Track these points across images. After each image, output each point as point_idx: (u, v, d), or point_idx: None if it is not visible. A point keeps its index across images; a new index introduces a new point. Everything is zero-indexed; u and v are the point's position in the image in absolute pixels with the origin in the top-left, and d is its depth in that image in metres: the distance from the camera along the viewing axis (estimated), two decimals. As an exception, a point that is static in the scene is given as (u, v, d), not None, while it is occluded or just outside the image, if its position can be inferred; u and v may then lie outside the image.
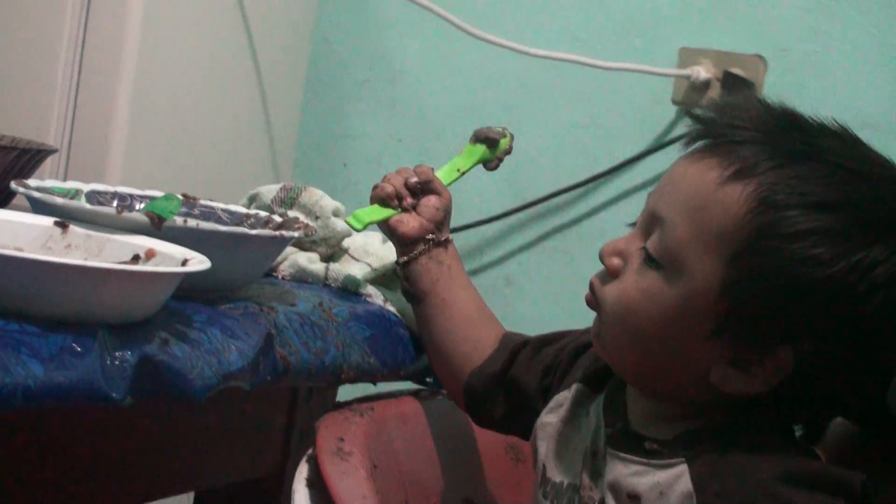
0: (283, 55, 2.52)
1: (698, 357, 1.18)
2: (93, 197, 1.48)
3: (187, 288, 1.23)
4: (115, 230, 1.30)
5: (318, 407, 1.57)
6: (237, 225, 1.48)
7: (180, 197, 1.49)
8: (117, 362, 1.09)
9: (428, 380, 1.68)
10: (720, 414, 1.19)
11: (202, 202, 1.54)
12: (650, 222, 1.23)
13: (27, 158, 1.61)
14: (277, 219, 1.52)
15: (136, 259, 1.25)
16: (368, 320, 1.54)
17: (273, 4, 2.45)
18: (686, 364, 1.19)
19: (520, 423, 1.44)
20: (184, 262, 1.23)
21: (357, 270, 1.66)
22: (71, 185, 1.48)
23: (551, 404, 1.37)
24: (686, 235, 1.18)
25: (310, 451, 1.33)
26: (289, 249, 1.64)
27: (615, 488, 1.20)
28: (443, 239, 1.55)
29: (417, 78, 2.78)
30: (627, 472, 1.20)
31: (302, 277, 1.63)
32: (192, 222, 1.33)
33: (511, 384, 1.46)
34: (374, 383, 1.58)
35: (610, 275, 1.25)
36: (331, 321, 1.46)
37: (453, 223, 2.68)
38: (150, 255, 1.26)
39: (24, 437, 1.21)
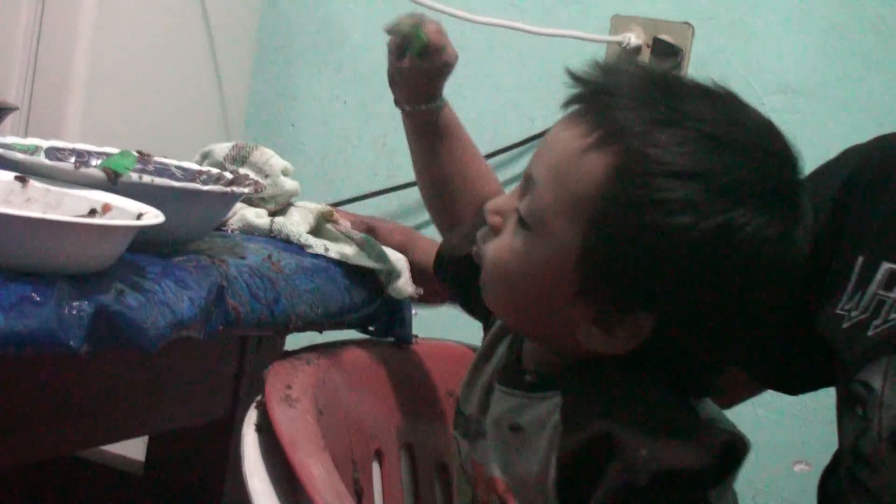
0: (234, 18, 2.51)
1: (565, 315, 1.17)
2: (52, 153, 1.47)
3: (142, 241, 1.22)
4: (73, 185, 1.30)
5: (267, 355, 1.58)
6: (190, 181, 1.48)
7: (135, 154, 1.48)
8: (75, 312, 1.09)
9: (370, 328, 1.68)
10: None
11: (156, 159, 1.53)
12: (526, 184, 1.22)
13: (-12, 116, 1.61)
14: (228, 175, 1.52)
15: (92, 213, 1.25)
16: (314, 272, 1.54)
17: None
18: (556, 320, 1.18)
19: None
20: (139, 216, 1.22)
21: (299, 220, 1.67)
22: (31, 141, 1.47)
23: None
24: (551, 199, 1.17)
25: (259, 398, 1.33)
26: (238, 205, 1.64)
27: (498, 423, 1.22)
28: None
29: (363, 42, 2.78)
30: (508, 406, 1.21)
31: (249, 231, 1.63)
32: (146, 178, 1.33)
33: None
34: (321, 332, 1.58)
35: (492, 232, 1.25)
36: (279, 273, 1.46)
37: (395, 182, 2.70)
38: (107, 209, 1.25)
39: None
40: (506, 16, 2.55)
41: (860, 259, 1.33)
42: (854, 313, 1.31)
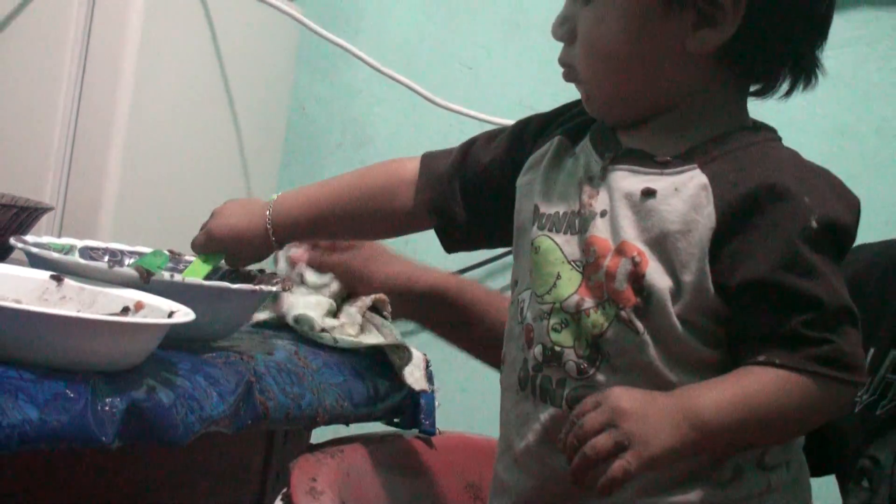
0: (262, 121, 2.52)
1: (669, 42, 1.17)
2: (86, 252, 1.47)
3: (173, 338, 1.22)
4: (107, 284, 1.30)
5: (294, 448, 1.57)
6: (220, 279, 1.47)
7: (167, 253, 1.48)
8: (107, 408, 1.08)
9: (396, 420, 1.67)
10: (698, 104, 1.20)
11: (187, 258, 1.53)
12: None
13: (25, 216, 1.60)
14: (256, 274, 1.51)
15: (125, 311, 1.24)
16: (341, 366, 1.54)
17: (253, 74, 2.45)
18: (665, 55, 1.18)
19: (484, 222, 1.39)
20: (170, 314, 1.22)
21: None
22: (65, 241, 1.47)
23: (527, 165, 1.32)
24: None
25: (285, 490, 1.32)
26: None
27: (628, 192, 1.18)
28: None
29: (386, 142, 2.79)
30: (638, 179, 1.18)
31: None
32: (177, 277, 1.32)
33: (469, 165, 1.40)
34: (347, 424, 1.57)
35: (568, 43, 1.25)
36: (306, 368, 1.46)
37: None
38: (139, 307, 1.25)
39: (19, 475, 1.20)
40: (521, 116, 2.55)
41: (871, 350, 1.37)
42: (864, 397, 1.37)
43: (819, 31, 1.21)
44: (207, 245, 1.49)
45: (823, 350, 1.09)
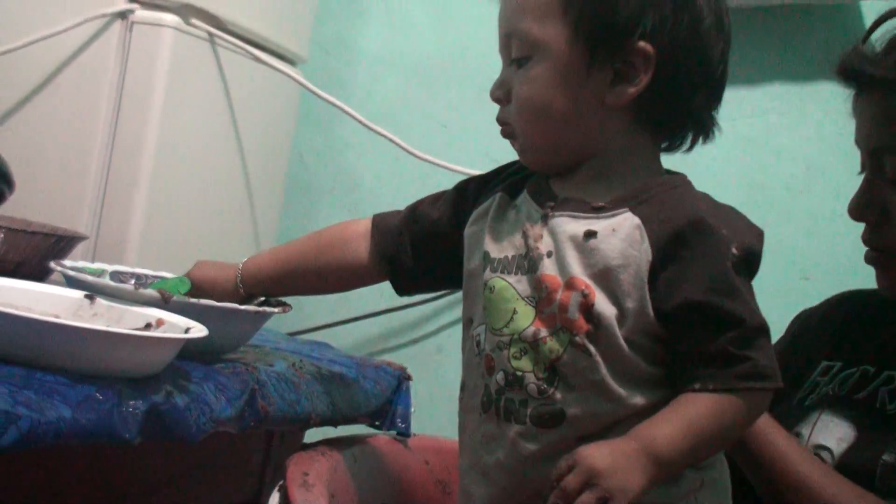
0: (266, 168, 2.51)
1: (591, 98, 1.17)
2: (115, 276, 1.47)
3: (189, 350, 1.22)
4: (133, 303, 1.29)
5: (289, 447, 1.55)
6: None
7: (188, 282, 1.47)
8: (131, 409, 1.08)
9: (376, 423, 1.66)
10: (617, 154, 1.20)
11: (201, 282, 1.52)
12: (506, 45, 1.24)
13: (63, 243, 1.60)
14: (260, 297, 1.50)
15: (148, 326, 1.24)
16: (331, 378, 1.53)
17: (259, 127, 2.44)
18: (586, 110, 1.18)
19: (431, 269, 1.37)
20: (186, 330, 1.22)
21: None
22: (98, 265, 1.47)
23: (472, 218, 1.30)
24: (529, 24, 1.19)
25: (281, 483, 1.31)
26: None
27: (572, 235, 1.17)
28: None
29: (372, 188, 2.78)
30: (579, 224, 1.17)
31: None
32: (193, 298, 1.32)
33: (418, 221, 1.38)
34: (335, 426, 1.56)
35: (504, 103, 1.26)
36: (301, 378, 1.45)
37: (398, 303, 2.68)
38: (160, 323, 1.25)
39: (52, 468, 1.18)
40: (489, 169, 2.55)
41: (822, 363, 1.51)
42: (800, 395, 1.47)
43: (715, 93, 1.23)
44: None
45: (746, 367, 1.10)
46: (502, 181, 1.31)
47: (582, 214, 1.18)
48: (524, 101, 1.21)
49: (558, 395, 1.16)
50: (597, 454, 1.06)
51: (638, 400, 1.14)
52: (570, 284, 1.15)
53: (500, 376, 1.20)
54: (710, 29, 1.18)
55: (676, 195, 1.18)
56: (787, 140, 2.41)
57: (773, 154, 2.42)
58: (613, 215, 1.16)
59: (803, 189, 2.41)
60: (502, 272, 1.22)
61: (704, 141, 1.25)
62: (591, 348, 1.14)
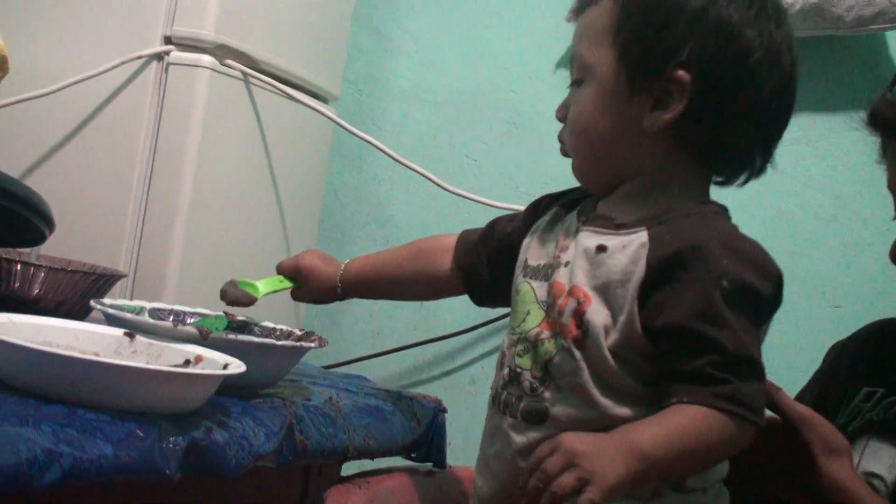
0: (301, 203, 2.52)
1: (630, 118, 1.19)
2: (154, 313, 1.47)
3: (227, 386, 1.21)
4: (172, 340, 1.29)
5: (327, 480, 1.54)
6: (266, 337, 1.47)
7: (226, 319, 1.48)
8: (171, 445, 1.07)
9: (413, 455, 1.66)
10: (655, 177, 1.21)
11: (239, 318, 1.52)
12: (570, 67, 1.28)
13: (103, 281, 1.60)
14: (297, 332, 1.50)
15: (187, 363, 1.24)
16: (367, 411, 1.52)
17: (294, 164, 2.45)
18: (622, 130, 1.20)
19: (504, 282, 1.37)
20: (225, 367, 1.22)
21: None
22: (137, 303, 1.47)
23: (531, 230, 1.34)
24: (585, 48, 1.23)
25: (319, 516, 1.30)
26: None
27: (586, 248, 1.19)
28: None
29: (404, 222, 2.79)
30: (597, 238, 1.19)
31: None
32: (231, 334, 1.32)
33: (494, 235, 1.44)
34: (372, 459, 1.56)
35: (564, 122, 1.28)
36: (338, 412, 1.44)
37: (431, 335, 2.67)
38: (199, 360, 1.24)
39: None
40: (519, 202, 2.55)
41: (863, 389, 1.46)
42: (841, 420, 1.44)
43: (765, 129, 1.22)
44: (290, 268, 1.55)
45: (724, 389, 1.08)
46: (569, 198, 1.35)
47: (604, 230, 1.20)
48: (572, 120, 1.25)
49: (547, 395, 1.19)
50: (578, 439, 1.06)
51: (624, 412, 1.14)
52: (571, 291, 1.18)
53: (505, 372, 1.25)
54: (759, 63, 1.18)
55: (696, 220, 1.17)
56: (816, 169, 2.40)
57: (802, 183, 2.41)
58: (629, 233, 1.17)
59: (832, 218, 2.39)
60: (530, 277, 1.25)
61: (754, 177, 1.25)
62: (577, 353, 1.16)
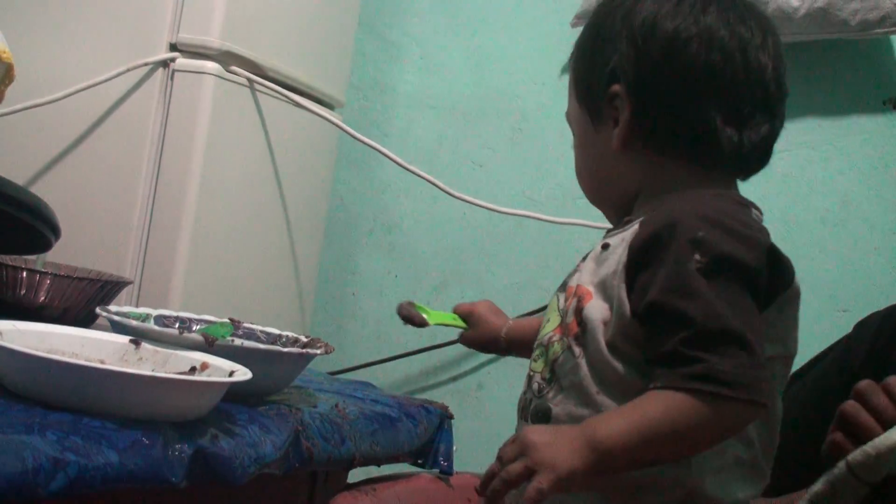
0: (307, 209, 2.51)
1: (602, 149, 1.23)
2: (160, 320, 1.46)
3: (233, 393, 1.21)
4: (178, 347, 1.28)
5: (333, 487, 1.54)
6: (272, 344, 1.46)
7: (232, 326, 1.47)
8: (177, 453, 1.07)
9: (419, 461, 1.65)
10: (651, 189, 1.21)
11: (245, 325, 1.52)
12: None
13: (109, 288, 1.60)
14: (303, 339, 1.49)
15: (193, 370, 1.23)
16: (374, 417, 1.52)
17: (300, 170, 2.45)
18: (602, 161, 1.24)
19: None
20: (230, 374, 1.21)
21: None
22: (142, 310, 1.47)
23: None
24: (567, 107, 1.29)
25: (326, 523, 1.30)
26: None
27: (595, 250, 1.20)
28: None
29: (410, 228, 2.78)
30: (606, 239, 1.20)
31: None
32: (237, 341, 1.32)
33: None
34: (379, 466, 1.55)
35: None
36: (345, 419, 1.44)
37: (437, 341, 2.67)
38: (205, 367, 1.24)
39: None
40: (525, 207, 2.55)
41: None
42: None
43: (724, 100, 1.18)
44: (465, 311, 1.55)
45: (695, 368, 1.04)
46: None
47: (613, 231, 1.21)
48: (576, 174, 1.30)
49: (550, 395, 1.19)
50: (537, 431, 1.08)
51: None
52: (576, 291, 1.18)
53: (527, 376, 1.25)
54: (685, 46, 1.17)
55: (683, 198, 1.15)
56: (822, 174, 2.40)
57: (808, 188, 2.40)
58: (628, 228, 1.17)
59: (838, 222, 2.39)
60: (559, 290, 1.25)
61: (754, 159, 1.21)
62: (576, 350, 1.15)
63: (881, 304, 2.20)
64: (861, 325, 1.55)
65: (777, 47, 1.21)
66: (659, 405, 1.05)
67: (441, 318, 1.54)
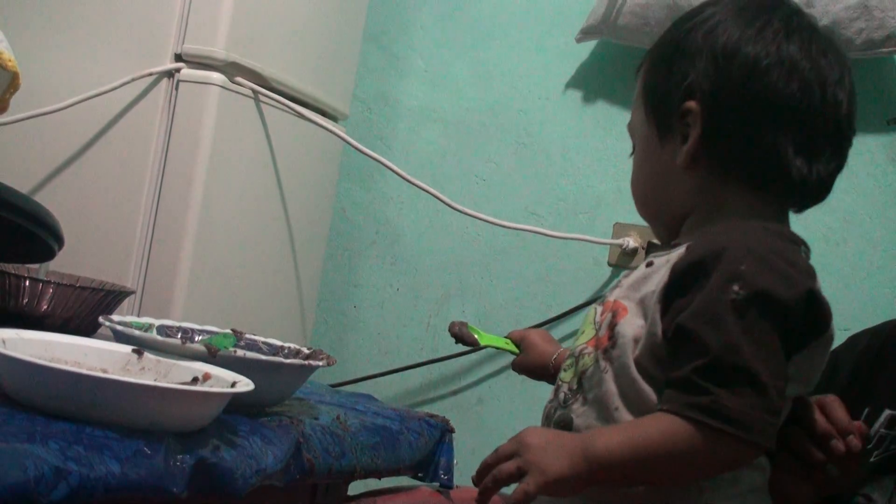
0: (310, 221, 2.52)
1: (666, 164, 1.22)
2: (162, 330, 1.46)
3: (235, 404, 1.21)
4: (180, 357, 1.28)
5: (333, 499, 1.54)
6: (274, 355, 1.46)
7: (234, 337, 1.47)
8: (179, 463, 1.07)
9: (419, 474, 1.65)
10: (706, 210, 1.21)
11: (247, 336, 1.52)
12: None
13: (111, 298, 1.60)
14: (305, 350, 1.49)
15: (195, 381, 1.23)
16: (375, 430, 1.52)
17: (303, 182, 2.45)
18: (663, 176, 1.23)
19: None
20: (233, 384, 1.22)
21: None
22: (145, 320, 1.47)
23: None
24: (632, 116, 1.29)
25: (326, 535, 1.30)
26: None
27: (639, 268, 1.20)
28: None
29: (413, 241, 2.78)
30: (650, 258, 1.20)
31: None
32: (239, 352, 1.32)
33: None
34: (379, 478, 1.55)
35: None
36: (346, 431, 1.44)
37: (438, 354, 2.67)
38: (207, 377, 1.24)
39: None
40: (528, 222, 2.55)
41: (866, 410, 1.36)
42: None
43: (796, 129, 1.17)
44: (518, 336, 1.57)
45: (702, 400, 1.04)
46: None
47: (659, 252, 1.21)
48: (631, 184, 1.29)
49: (575, 406, 1.19)
50: (536, 433, 1.11)
51: None
52: (613, 305, 1.18)
53: (554, 387, 1.25)
54: (766, 73, 1.16)
55: (732, 228, 1.14)
56: (825, 191, 2.40)
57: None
58: (674, 249, 1.16)
59: (841, 240, 2.39)
60: (598, 304, 1.25)
61: (815, 189, 1.21)
62: (603, 363, 1.16)
63: (883, 323, 2.20)
64: (853, 339, 1.56)
65: (853, 86, 1.21)
66: (660, 427, 1.06)
67: (493, 340, 1.56)
